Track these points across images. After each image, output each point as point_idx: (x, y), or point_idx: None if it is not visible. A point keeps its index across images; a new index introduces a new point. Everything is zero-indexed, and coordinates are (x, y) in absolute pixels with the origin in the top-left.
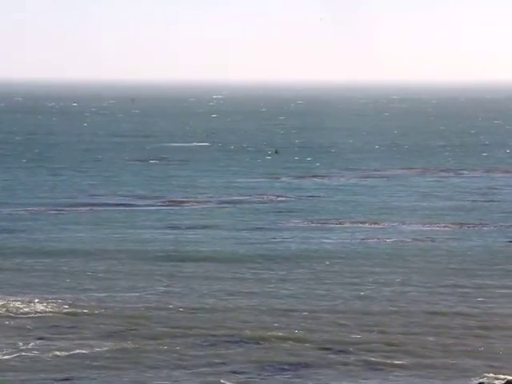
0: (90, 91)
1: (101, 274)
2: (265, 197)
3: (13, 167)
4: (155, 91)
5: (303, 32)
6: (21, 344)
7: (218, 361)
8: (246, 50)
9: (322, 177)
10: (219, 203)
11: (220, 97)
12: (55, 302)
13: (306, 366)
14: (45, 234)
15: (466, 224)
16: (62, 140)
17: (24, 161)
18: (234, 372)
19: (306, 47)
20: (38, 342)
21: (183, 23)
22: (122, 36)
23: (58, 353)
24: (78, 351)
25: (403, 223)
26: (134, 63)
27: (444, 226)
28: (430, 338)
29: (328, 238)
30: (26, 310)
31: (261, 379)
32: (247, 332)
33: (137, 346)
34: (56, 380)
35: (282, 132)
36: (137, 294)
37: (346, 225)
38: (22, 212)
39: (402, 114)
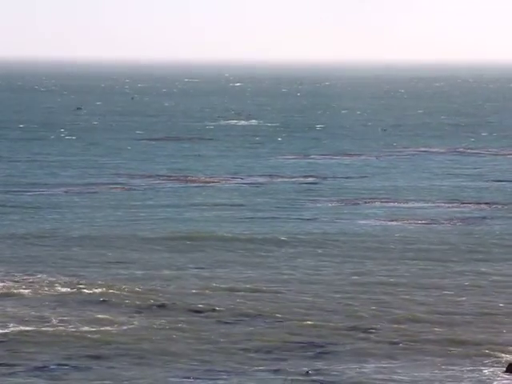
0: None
1: (136, 254)
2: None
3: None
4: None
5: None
6: (52, 319)
7: (245, 338)
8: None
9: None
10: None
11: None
12: (86, 279)
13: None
14: (83, 213)
15: (494, 204)
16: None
17: (69, 137)
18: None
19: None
20: (68, 317)
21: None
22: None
23: (87, 328)
24: (108, 328)
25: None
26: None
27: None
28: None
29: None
30: (60, 286)
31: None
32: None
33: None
34: (87, 357)
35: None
36: (175, 273)
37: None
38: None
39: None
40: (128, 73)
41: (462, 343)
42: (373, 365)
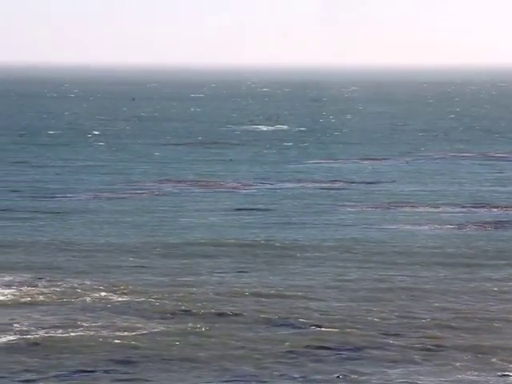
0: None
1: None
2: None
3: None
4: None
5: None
6: (80, 325)
7: (272, 344)
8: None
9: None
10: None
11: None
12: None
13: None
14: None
15: None
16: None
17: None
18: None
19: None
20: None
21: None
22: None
23: (114, 333)
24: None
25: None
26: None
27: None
28: None
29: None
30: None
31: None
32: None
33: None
34: (114, 362)
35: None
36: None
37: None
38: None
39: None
40: (154, 78)
41: (488, 349)
42: (399, 370)
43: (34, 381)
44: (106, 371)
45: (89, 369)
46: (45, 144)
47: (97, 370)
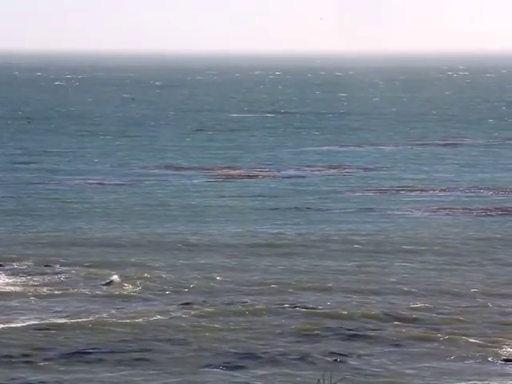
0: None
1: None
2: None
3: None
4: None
5: None
6: (89, 313)
7: (277, 328)
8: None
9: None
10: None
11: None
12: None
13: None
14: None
15: None
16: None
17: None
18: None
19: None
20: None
21: None
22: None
23: (122, 320)
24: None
25: None
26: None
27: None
28: None
29: None
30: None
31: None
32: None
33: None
34: (121, 342)
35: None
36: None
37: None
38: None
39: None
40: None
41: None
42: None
43: (39, 360)
44: (110, 351)
45: (95, 347)
46: (66, 133)
47: (102, 350)
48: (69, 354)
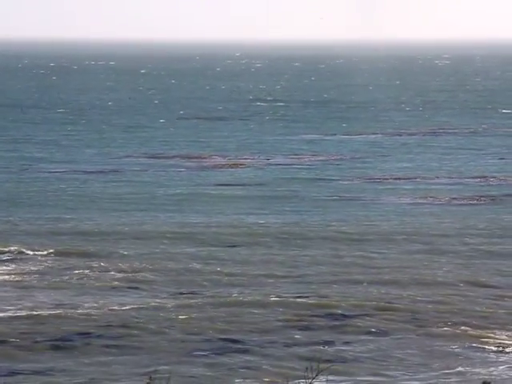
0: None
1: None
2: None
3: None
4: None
5: None
6: (79, 304)
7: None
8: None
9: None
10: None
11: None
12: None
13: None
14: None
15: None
16: None
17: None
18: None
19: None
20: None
21: None
22: None
23: (112, 308)
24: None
25: None
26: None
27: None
28: None
29: None
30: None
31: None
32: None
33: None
34: (108, 327)
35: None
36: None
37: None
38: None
39: None
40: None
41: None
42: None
43: (25, 345)
44: (98, 336)
45: (82, 332)
46: (55, 122)
47: (90, 335)
48: (52, 342)
